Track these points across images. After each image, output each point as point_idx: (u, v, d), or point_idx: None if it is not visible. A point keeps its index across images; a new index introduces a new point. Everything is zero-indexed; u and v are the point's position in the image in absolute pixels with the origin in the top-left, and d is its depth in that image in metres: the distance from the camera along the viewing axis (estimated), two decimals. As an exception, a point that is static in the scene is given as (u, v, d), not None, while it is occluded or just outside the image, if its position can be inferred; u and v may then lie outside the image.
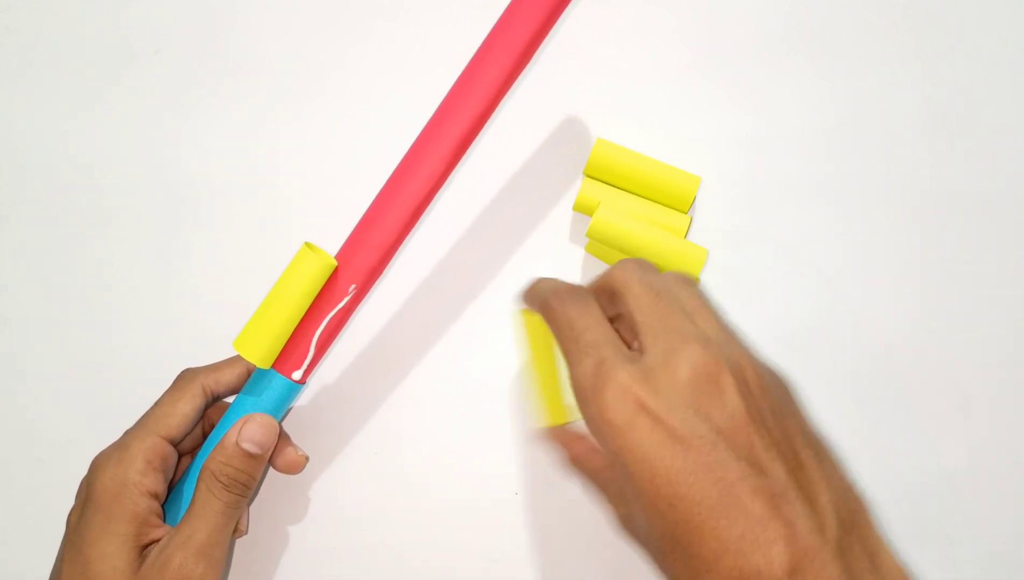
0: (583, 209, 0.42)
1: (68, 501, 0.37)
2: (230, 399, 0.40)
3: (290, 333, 0.36)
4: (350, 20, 0.45)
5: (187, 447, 0.39)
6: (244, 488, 0.36)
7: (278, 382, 0.37)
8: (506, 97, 0.38)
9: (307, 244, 0.37)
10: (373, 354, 0.43)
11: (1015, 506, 0.41)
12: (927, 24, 0.44)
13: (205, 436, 0.40)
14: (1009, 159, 0.43)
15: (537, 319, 0.36)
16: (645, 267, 0.32)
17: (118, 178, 0.44)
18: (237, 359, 0.39)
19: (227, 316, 0.43)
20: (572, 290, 0.32)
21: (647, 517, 0.28)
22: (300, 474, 0.41)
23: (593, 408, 0.29)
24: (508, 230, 0.43)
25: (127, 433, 0.37)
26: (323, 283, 0.37)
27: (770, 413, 0.28)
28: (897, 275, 0.42)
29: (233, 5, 0.45)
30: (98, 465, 0.36)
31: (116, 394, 0.43)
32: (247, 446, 0.36)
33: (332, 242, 0.43)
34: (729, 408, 0.28)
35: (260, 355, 0.36)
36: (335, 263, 0.37)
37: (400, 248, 0.38)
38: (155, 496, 0.36)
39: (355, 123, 0.44)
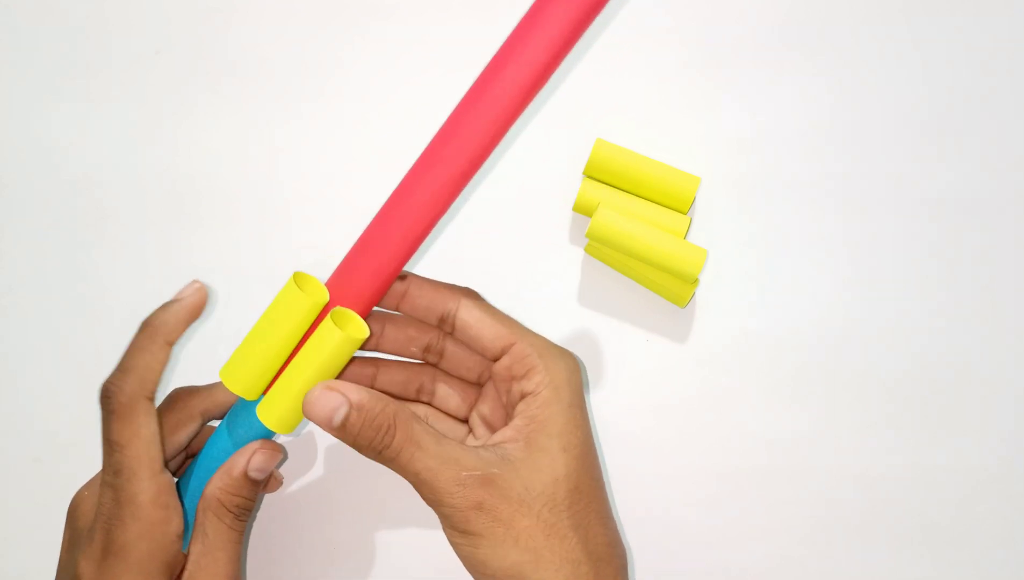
0: (583, 210, 0.42)
1: (67, 502, 0.36)
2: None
3: (279, 366, 0.34)
4: (349, 19, 0.45)
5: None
6: (249, 514, 0.36)
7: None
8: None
9: (297, 274, 0.33)
10: (373, 354, 0.43)
11: (1017, 506, 0.41)
12: (926, 21, 0.43)
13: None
14: (1010, 156, 0.43)
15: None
16: None
17: (117, 178, 0.44)
18: None
19: (226, 315, 0.43)
20: None
21: None
22: (301, 473, 0.41)
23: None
24: (508, 230, 0.43)
25: None
26: (314, 318, 0.33)
27: None
28: (898, 274, 0.42)
29: (232, 5, 0.45)
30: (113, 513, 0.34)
31: (116, 394, 0.43)
32: (255, 475, 0.35)
33: (332, 242, 0.43)
34: None
35: (246, 388, 0.34)
36: (327, 297, 0.34)
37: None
38: (178, 536, 0.35)
39: (354, 122, 0.44)
